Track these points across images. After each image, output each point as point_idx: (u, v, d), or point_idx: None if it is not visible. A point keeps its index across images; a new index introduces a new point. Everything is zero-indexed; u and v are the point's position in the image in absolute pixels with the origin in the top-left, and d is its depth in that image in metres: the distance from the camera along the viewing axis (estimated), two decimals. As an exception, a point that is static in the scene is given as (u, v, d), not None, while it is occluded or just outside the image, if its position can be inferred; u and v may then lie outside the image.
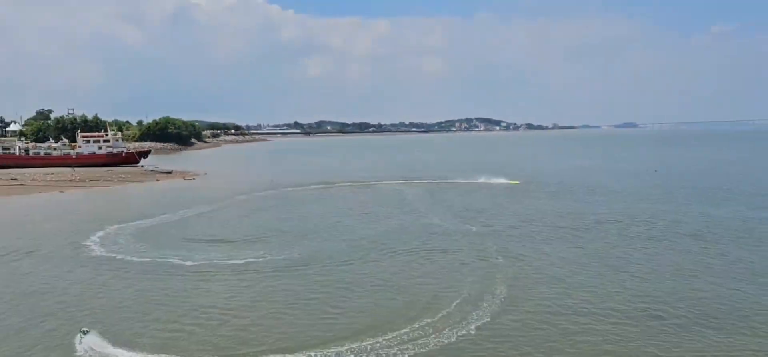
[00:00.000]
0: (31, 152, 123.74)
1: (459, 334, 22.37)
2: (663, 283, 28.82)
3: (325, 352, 20.73)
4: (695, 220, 46.57)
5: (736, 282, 28.88)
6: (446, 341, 21.77)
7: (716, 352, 20.56)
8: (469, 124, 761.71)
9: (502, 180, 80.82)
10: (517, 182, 78.26)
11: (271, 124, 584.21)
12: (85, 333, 22.56)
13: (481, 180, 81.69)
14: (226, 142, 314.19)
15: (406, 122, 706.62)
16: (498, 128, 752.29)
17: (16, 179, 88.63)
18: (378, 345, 21.33)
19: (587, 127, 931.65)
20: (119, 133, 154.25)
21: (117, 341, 21.98)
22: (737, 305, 25.34)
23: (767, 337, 21.62)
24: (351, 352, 20.79)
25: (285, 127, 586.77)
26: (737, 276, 30.04)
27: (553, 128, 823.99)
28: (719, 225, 44.48)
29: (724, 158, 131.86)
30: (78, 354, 21.19)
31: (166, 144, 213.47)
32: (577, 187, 72.91)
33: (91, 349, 21.39)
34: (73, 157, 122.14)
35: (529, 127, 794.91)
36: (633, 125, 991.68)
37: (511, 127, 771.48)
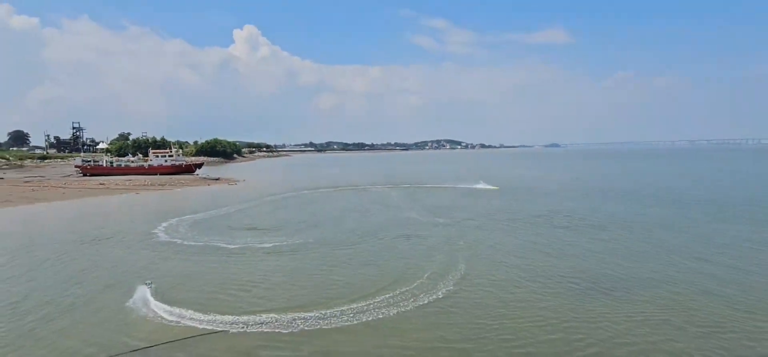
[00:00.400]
0: (114, 164, 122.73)
1: (430, 298, 22.28)
2: (573, 261, 28.91)
3: (328, 311, 20.53)
4: (599, 214, 46.85)
5: (624, 260, 29.09)
6: (421, 303, 21.67)
7: (603, 310, 20.72)
8: (438, 143, 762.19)
9: (485, 185, 77.08)
10: (497, 188, 73.82)
11: (292, 143, 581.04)
12: (149, 284, 23.08)
13: (466, 186, 78.86)
14: (259, 157, 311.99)
15: (392, 142, 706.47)
16: (459, 147, 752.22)
17: (103, 184, 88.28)
18: (369, 306, 21.20)
19: (524, 146, 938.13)
20: (180, 150, 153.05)
21: (163, 299, 21.98)
22: (624, 276, 25.56)
23: (640, 302, 21.87)
24: (349, 310, 20.63)
25: (303, 146, 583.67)
26: (625, 255, 30.23)
27: (499, 147, 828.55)
28: (616, 217, 44.79)
29: (626, 169, 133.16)
30: (132, 305, 21.34)
31: (214, 158, 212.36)
32: (525, 191, 73.05)
33: (144, 303, 21.37)
34: (146, 167, 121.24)
35: (483, 146, 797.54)
36: (557, 145, 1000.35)
37: (469, 146, 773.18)
